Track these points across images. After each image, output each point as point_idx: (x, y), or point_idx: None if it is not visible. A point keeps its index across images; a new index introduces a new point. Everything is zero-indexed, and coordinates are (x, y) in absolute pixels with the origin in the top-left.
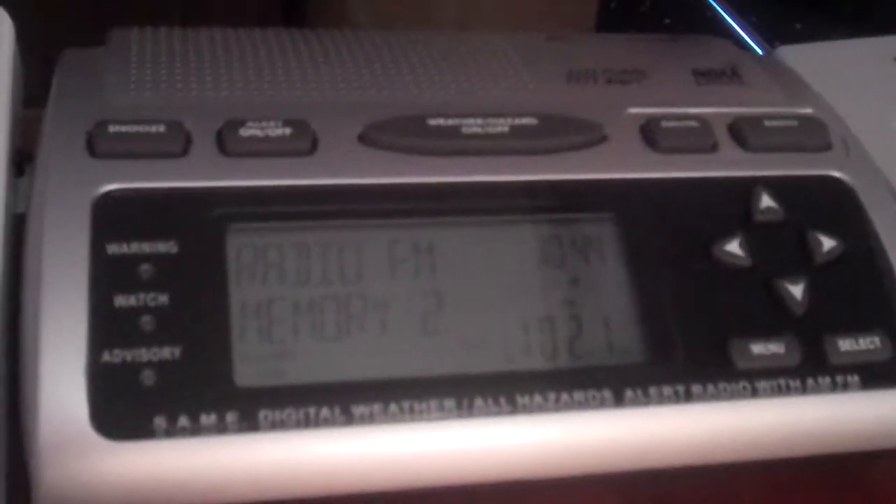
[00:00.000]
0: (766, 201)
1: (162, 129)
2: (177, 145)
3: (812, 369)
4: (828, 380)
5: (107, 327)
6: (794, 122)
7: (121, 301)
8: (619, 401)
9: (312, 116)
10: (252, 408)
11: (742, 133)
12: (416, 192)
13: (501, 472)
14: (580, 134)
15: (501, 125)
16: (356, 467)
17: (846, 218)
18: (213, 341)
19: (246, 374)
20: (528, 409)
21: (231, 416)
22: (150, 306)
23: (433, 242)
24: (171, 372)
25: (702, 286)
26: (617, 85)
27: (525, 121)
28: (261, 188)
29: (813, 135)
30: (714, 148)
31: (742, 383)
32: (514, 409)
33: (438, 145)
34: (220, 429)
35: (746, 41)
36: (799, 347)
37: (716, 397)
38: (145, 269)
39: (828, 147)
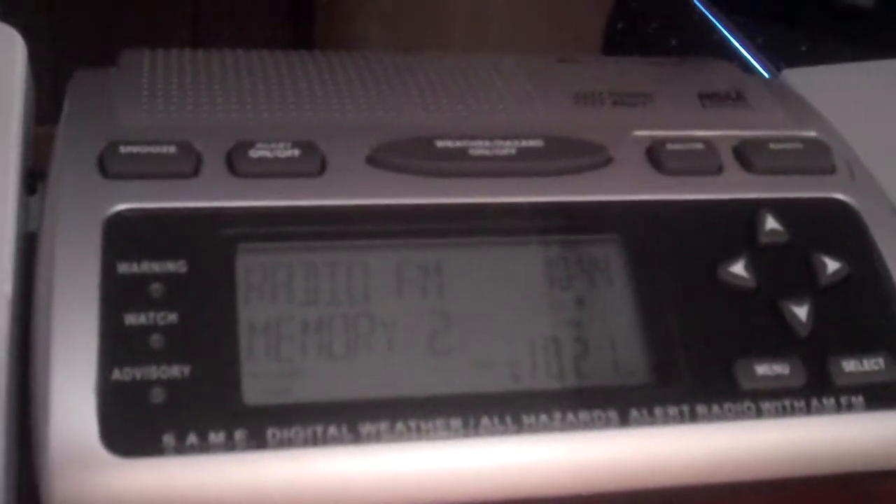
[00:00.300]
0: (771, 223)
1: (172, 149)
2: (187, 166)
3: (817, 390)
4: (832, 401)
5: (117, 345)
6: (799, 145)
7: (131, 319)
8: (624, 421)
9: (321, 138)
10: (260, 426)
11: (747, 155)
12: (423, 213)
13: (507, 491)
14: (586, 156)
15: (508, 147)
16: (363, 485)
17: (850, 240)
18: (222, 360)
19: (254, 392)
20: (534, 429)
21: (239, 434)
22: (160, 325)
23: (440, 263)
24: (181, 390)
25: (707, 307)
26: (623, 107)
27: (532, 143)
28: (270, 209)
29: (817, 157)
30: (719, 170)
31: (747, 404)
32: (520, 428)
33: (446, 167)
34: (229, 446)
35: (752, 63)
36: (803, 368)
37: (721, 418)
38: (155, 288)
39: (832, 170)
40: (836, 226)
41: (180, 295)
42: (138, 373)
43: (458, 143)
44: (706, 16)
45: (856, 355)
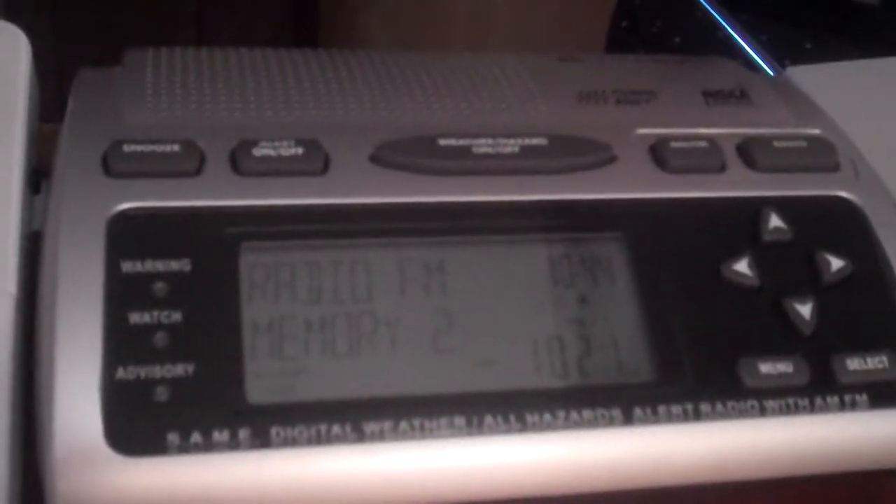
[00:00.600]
0: (775, 221)
1: (176, 148)
2: (191, 165)
3: (820, 388)
4: (836, 399)
5: (121, 344)
6: (803, 143)
7: (135, 318)
8: (627, 419)
9: (324, 136)
10: (264, 424)
11: (751, 153)
12: (426, 211)
13: (511, 489)
14: (590, 154)
15: (512, 145)
16: (367, 484)
17: (854, 238)
18: (226, 358)
19: (258, 391)
20: (538, 427)
21: (243, 433)
22: (164, 323)
23: (443, 261)
24: (185, 388)
25: (710, 305)
26: (627, 105)
27: (535, 141)
28: (273, 207)
29: (821, 155)
30: (723, 168)
31: (750, 402)
32: (523, 426)
33: (449, 165)
34: (233, 445)
35: (757, 61)
36: (807, 367)
37: (724, 416)
38: (159, 286)
39: (836, 168)
40: (840, 224)
41: (184, 294)
42: (142, 371)
43: (462, 142)
44: (710, 14)
45: (860, 353)
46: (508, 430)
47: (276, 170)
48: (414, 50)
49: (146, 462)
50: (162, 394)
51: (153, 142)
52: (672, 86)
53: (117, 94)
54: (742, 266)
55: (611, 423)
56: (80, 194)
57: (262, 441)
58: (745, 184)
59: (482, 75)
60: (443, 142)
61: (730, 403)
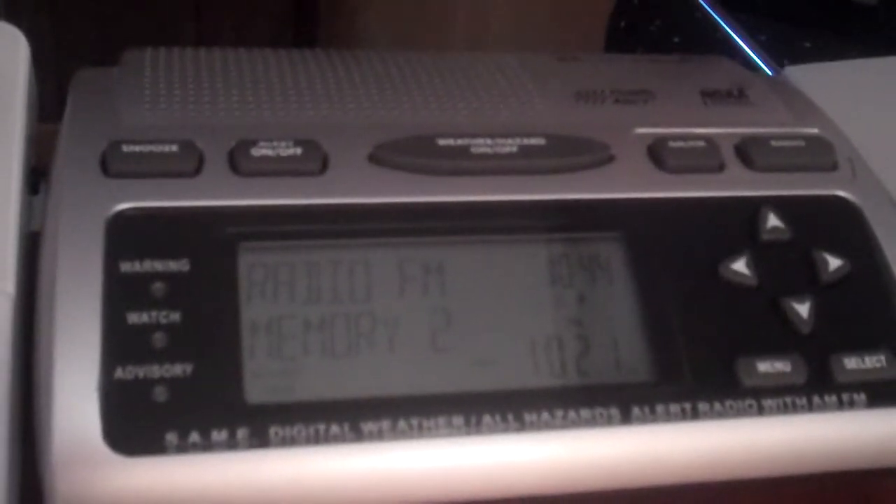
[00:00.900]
0: (773, 221)
1: (175, 148)
2: (189, 165)
3: (818, 387)
4: (834, 398)
5: (119, 344)
6: (801, 143)
7: (133, 318)
8: (626, 418)
9: (323, 136)
10: (262, 424)
11: (749, 153)
12: (425, 211)
13: (509, 488)
14: (588, 154)
15: (510, 145)
16: (365, 484)
17: (852, 237)
18: (224, 358)
19: (256, 390)
20: (536, 427)
21: (241, 433)
22: (163, 323)
23: (442, 261)
24: (183, 388)
25: (708, 305)
26: (625, 105)
27: (533, 141)
28: (272, 207)
29: (819, 155)
30: (721, 168)
31: (748, 401)
32: (521, 426)
33: (448, 165)
34: (231, 445)
35: (755, 60)
36: (805, 366)
37: (722, 415)
38: (158, 286)
39: (834, 167)
40: (838, 223)
41: (183, 294)
42: (141, 371)
43: (460, 142)
44: (709, 13)
45: (857, 352)
46: (507, 430)
47: (275, 170)
48: (413, 50)
49: (145, 462)
50: (160, 394)
51: (152, 142)
52: (670, 85)
53: (116, 95)
54: (740, 265)
55: (609, 422)
56: (79, 195)
57: (260, 441)
58: (743, 183)
59: (480, 75)
60: (441, 142)
61: (728, 402)
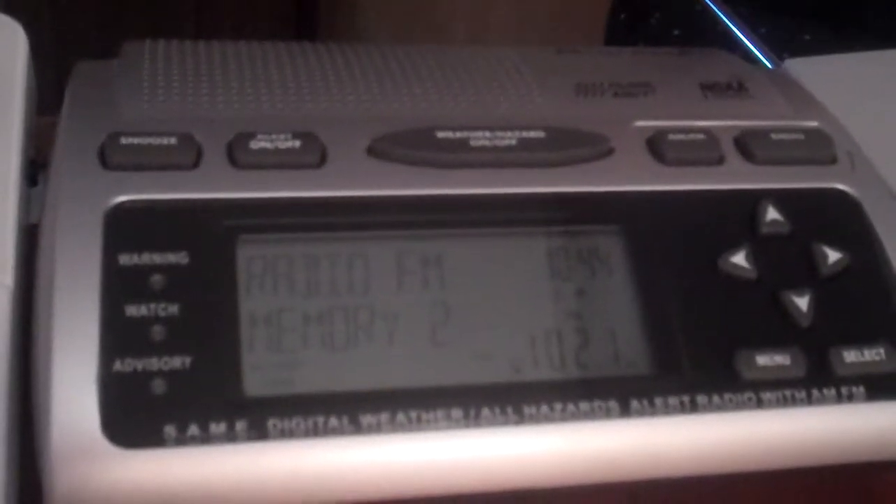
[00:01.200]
0: (772, 214)
1: (173, 141)
2: (188, 157)
3: (817, 380)
4: (833, 391)
5: (118, 337)
6: (801, 136)
7: (132, 311)
8: (625, 411)
9: (321, 129)
10: (261, 417)
11: (748, 146)
12: (424, 204)
13: (508, 481)
14: (587, 147)
15: (509, 138)
16: (364, 476)
17: (851, 230)
18: (223, 351)
19: (255, 383)
20: (535, 420)
21: (240, 425)
22: (161, 316)
23: (441, 254)
24: (182, 381)
25: (708, 298)
26: (624, 98)
27: (533, 134)
28: (270, 200)
29: (819, 148)
30: (720, 161)
31: (748, 394)
32: (520, 419)
33: (447, 158)
34: (230, 437)
35: (755, 53)
36: (804, 359)
37: (721, 408)
38: (156, 279)
39: (833, 160)
40: (837, 216)
41: (181, 286)
42: (139, 364)
43: (459, 134)
44: (709, 6)
45: (857, 346)
46: (505, 423)
47: (273, 162)
48: (412, 42)
49: (143, 454)
50: (159, 386)
51: (150, 134)
52: (670, 78)
53: (115, 87)
54: (739, 258)
55: (608, 415)
56: (77, 187)
57: (259, 433)
58: (742, 176)
59: (480, 68)
60: (440, 134)
61: (727, 395)
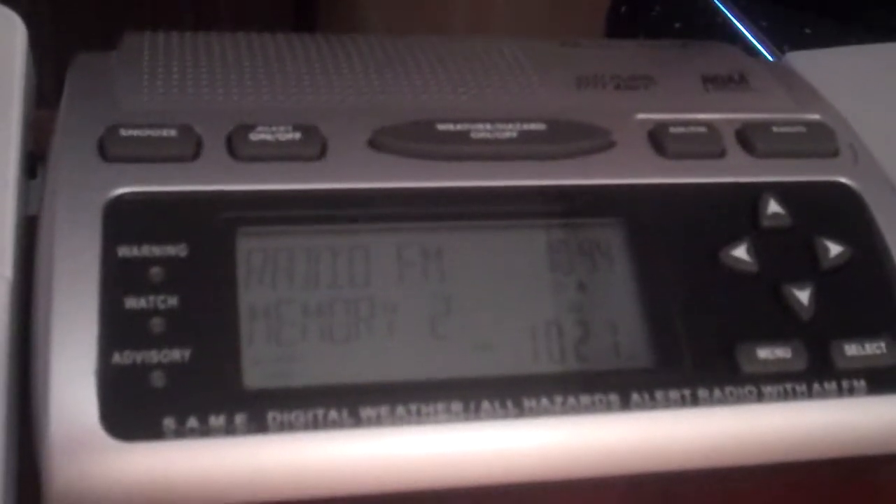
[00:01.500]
0: (774, 207)
1: (173, 133)
2: (187, 149)
3: (818, 374)
4: (834, 384)
5: (117, 329)
6: (802, 129)
7: (131, 303)
8: (625, 405)
9: (322, 121)
10: (260, 409)
11: (750, 139)
12: (424, 196)
13: (508, 474)
14: (588, 139)
15: (510, 130)
16: (364, 469)
17: (853, 224)
18: (223, 343)
19: (254, 376)
20: (535, 413)
21: (240, 418)
22: (161, 308)
23: (441, 246)
24: (181, 373)
25: (709, 291)
26: (625, 91)
27: (534, 126)
28: (270, 192)
29: (821, 141)
30: (722, 154)
31: (748, 388)
32: (520, 412)
33: (447, 150)
34: (229, 430)
35: (756, 46)
36: (805, 352)
37: (722, 402)
38: (156, 271)
39: (835, 153)
40: (839, 209)
41: (181, 279)
42: (139, 356)
43: (460, 127)
44: None
45: (858, 339)
46: (506, 416)
47: (274, 155)
48: (412, 34)
49: (142, 447)
50: (158, 379)
51: (150, 126)
52: (671, 71)
53: (114, 79)
54: (741, 252)
55: (608, 408)
56: (77, 179)
57: (258, 426)
58: (744, 169)
59: (481, 60)
60: (441, 127)
61: (728, 389)
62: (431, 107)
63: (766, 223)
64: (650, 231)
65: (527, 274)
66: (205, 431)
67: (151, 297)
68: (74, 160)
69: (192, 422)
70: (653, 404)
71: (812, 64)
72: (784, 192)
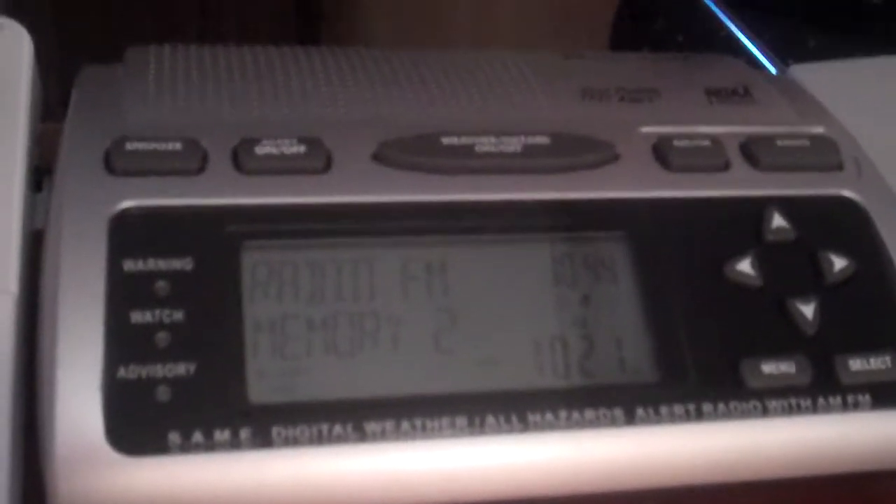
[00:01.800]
0: (778, 221)
1: (178, 146)
2: (193, 163)
3: (823, 389)
4: (839, 399)
5: (122, 343)
6: (806, 142)
7: (137, 317)
8: (630, 419)
9: (327, 134)
10: (265, 424)
11: (754, 152)
12: (429, 210)
13: (512, 489)
14: (593, 153)
15: (514, 144)
16: (368, 484)
17: (857, 237)
18: (228, 358)
19: (259, 390)
20: (540, 427)
21: (245, 433)
22: (166, 323)
23: (446, 260)
24: (186, 388)
25: (713, 305)
26: (630, 104)
27: (538, 139)
28: (275, 206)
29: (824, 154)
30: (726, 167)
31: (753, 403)
32: (525, 426)
33: (452, 164)
34: (234, 445)
35: (760, 59)
36: (810, 367)
37: (727, 416)
38: (161, 285)
39: (839, 167)
40: (843, 223)
41: (186, 292)
42: (144, 371)
43: (464, 140)
44: (714, 12)
45: (863, 354)
46: (510, 430)
47: (279, 168)
48: (417, 48)
49: (147, 462)
50: (163, 393)
51: (155, 140)
52: (675, 84)
53: (120, 92)
54: (745, 266)
55: (613, 423)
56: (82, 192)
57: (263, 441)
58: (748, 183)
59: (485, 73)
60: (445, 140)
61: (732, 404)
62: (436, 120)
63: (770, 237)
64: (654, 245)
65: (531, 288)
66: (210, 446)
67: (157, 311)
68: (80, 174)
69: (198, 436)
70: (657, 419)
71: (816, 77)
72: (788, 205)
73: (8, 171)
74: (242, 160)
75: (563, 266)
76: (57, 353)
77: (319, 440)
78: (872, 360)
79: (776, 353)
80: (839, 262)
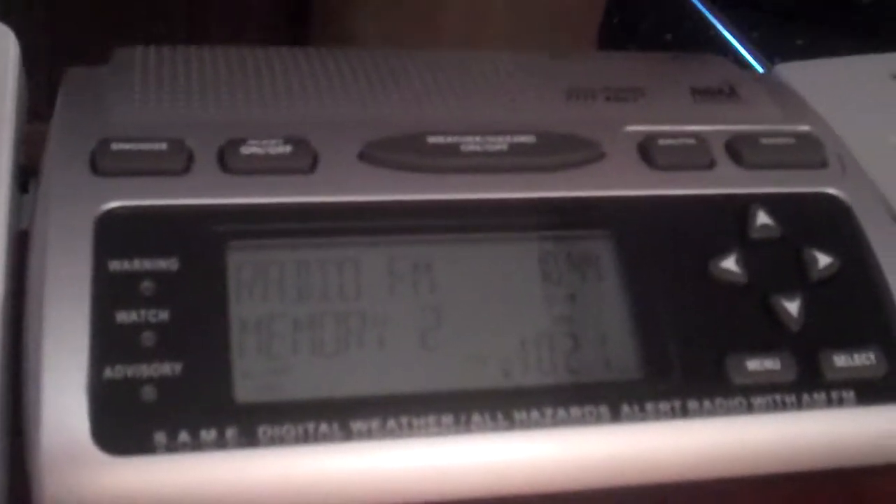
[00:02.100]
0: (763, 218)
1: (164, 146)
2: (179, 163)
3: (807, 385)
4: (823, 395)
5: (108, 343)
6: (791, 140)
7: (122, 317)
8: (615, 416)
9: (313, 134)
10: (251, 423)
11: (739, 150)
12: (415, 209)
13: (499, 487)
14: (578, 151)
15: (500, 143)
16: (354, 483)
17: (842, 235)
18: (214, 357)
19: (245, 389)
20: (526, 425)
21: (231, 432)
22: (152, 322)
23: (432, 259)
24: (172, 388)
25: (698, 302)
26: (615, 103)
27: (524, 138)
28: (261, 206)
29: (809, 152)
30: (711, 165)
31: (738, 399)
32: (511, 424)
33: (438, 163)
34: (220, 444)
35: (747, 57)
36: (795, 363)
37: (712, 413)
38: (147, 285)
39: (824, 164)
40: (828, 220)
41: (171, 292)
42: (130, 371)
43: (450, 139)
44: (701, 11)
45: (847, 350)
46: (496, 428)
47: (265, 168)
48: (403, 47)
49: (133, 461)
50: (149, 393)
51: (141, 140)
52: (661, 83)
53: (105, 93)
54: (730, 263)
55: (598, 420)
56: (68, 193)
57: (249, 440)
58: (733, 181)
59: (471, 73)
60: (431, 139)
61: (717, 400)
62: (422, 120)
63: (755, 234)
64: (640, 243)
65: (517, 287)
66: (196, 446)
67: (142, 311)
68: (66, 174)
69: (184, 436)
70: (643, 416)
71: (801, 75)
72: (773, 203)
73: None
74: (228, 160)
75: (549, 264)
76: (42, 354)
77: (305, 439)
78: (857, 357)
79: (761, 349)
80: (823, 259)
